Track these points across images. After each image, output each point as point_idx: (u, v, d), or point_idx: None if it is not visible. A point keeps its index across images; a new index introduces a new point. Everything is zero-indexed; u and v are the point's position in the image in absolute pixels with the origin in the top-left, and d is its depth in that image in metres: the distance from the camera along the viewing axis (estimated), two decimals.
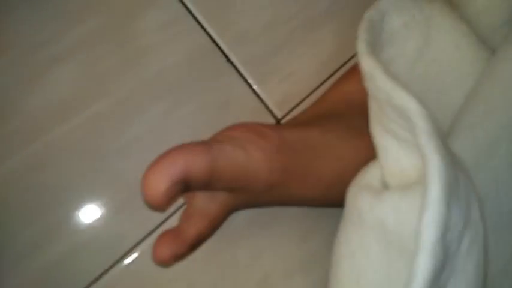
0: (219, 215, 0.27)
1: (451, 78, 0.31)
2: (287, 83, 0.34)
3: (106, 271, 0.28)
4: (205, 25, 0.33)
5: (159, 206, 0.23)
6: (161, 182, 0.22)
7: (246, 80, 0.33)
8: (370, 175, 0.26)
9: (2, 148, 0.28)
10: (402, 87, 0.23)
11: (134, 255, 0.29)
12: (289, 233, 0.32)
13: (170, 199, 0.23)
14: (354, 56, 0.36)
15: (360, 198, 0.25)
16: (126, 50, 0.31)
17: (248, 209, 0.30)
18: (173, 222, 0.30)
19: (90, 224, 0.28)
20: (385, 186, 0.25)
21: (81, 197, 0.29)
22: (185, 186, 0.23)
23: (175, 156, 0.23)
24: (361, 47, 0.27)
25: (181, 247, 0.25)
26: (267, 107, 0.34)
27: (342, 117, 0.31)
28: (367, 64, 0.26)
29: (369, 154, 0.27)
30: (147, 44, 0.32)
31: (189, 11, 0.33)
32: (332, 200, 0.29)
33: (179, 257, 0.25)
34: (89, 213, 0.28)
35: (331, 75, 0.35)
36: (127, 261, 0.29)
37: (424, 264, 0.19)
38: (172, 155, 0.23)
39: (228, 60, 0.33)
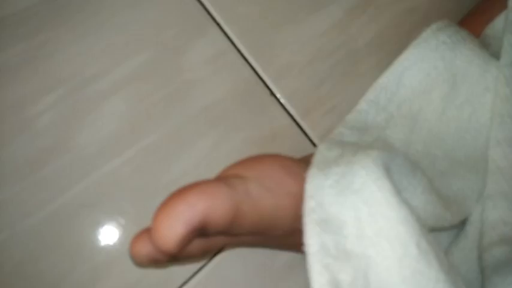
0: (216, 246, 0.24)
1: (485, 117, 0.32)
2: (330, 116, 0.34)
3: None
4: (250, 59, 0.33)
5: (167, 254, 0.20)
6: (176, 229, 0.19)
7: (289, 113, 0.33)
8: None
9: (54, 185, 0.28)
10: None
11: None
12: None
13: (183, 247, 0.20)
14: None
15: None
16: (173, 84, 0.31)
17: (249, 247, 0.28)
18: (218, 260, 0.29)
19: None
20: None
21: (130, 232, 0.28)
22: (201, 233, 0.20)
23: (194, 201, 0.20)
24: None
25: (159, 255, 0.21)
26: (310, 140, 0.34)
27: None
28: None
29: None
30: (193, 78, 0.32)
31: (234, 45, 0.33)
32: None
33: (156, 262, 0.21)
34: None
35: None
36: None
37: None
38: (189, 198, 0.20)
39: (272, 93, 0.33)
